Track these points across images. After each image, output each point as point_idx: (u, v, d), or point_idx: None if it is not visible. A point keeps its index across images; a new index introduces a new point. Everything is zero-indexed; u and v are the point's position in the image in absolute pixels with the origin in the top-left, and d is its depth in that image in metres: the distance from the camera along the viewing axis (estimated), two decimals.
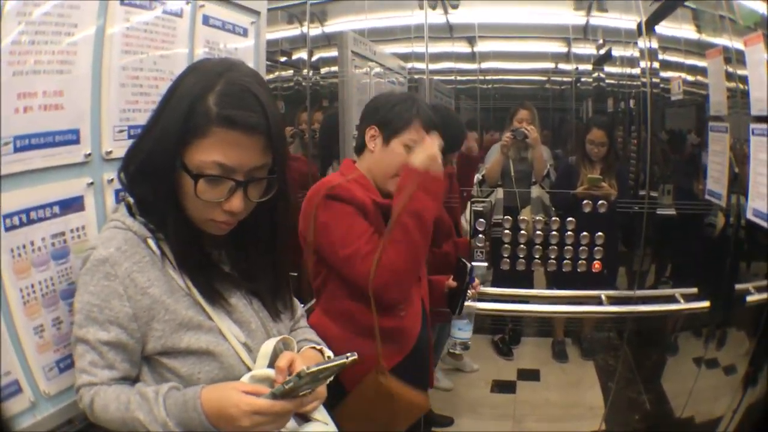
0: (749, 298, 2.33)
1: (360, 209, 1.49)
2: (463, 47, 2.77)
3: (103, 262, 0.97)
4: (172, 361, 1.02)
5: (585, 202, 2.53)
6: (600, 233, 2.50)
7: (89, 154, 1.17)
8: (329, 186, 1.51)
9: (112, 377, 1.00)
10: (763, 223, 2.13)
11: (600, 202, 2.52)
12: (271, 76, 2.77)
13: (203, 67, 1.00)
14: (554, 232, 2.53)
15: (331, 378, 1.03)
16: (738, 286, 2.42)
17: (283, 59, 2.75)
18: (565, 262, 2.55)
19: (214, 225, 1.02)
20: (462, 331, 1.80)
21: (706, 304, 2.41)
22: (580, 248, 2.53)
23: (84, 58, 1.14)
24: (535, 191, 2.65)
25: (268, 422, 0.95)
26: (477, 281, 1.87)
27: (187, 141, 0.95)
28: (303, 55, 2.76)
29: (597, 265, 2.50)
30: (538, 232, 2.56)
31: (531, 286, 2.62)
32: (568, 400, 2.78)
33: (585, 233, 2.52)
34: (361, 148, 1.64)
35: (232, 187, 0.97)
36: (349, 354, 0.95)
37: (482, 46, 2.75)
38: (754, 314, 2.41)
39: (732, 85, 2.43)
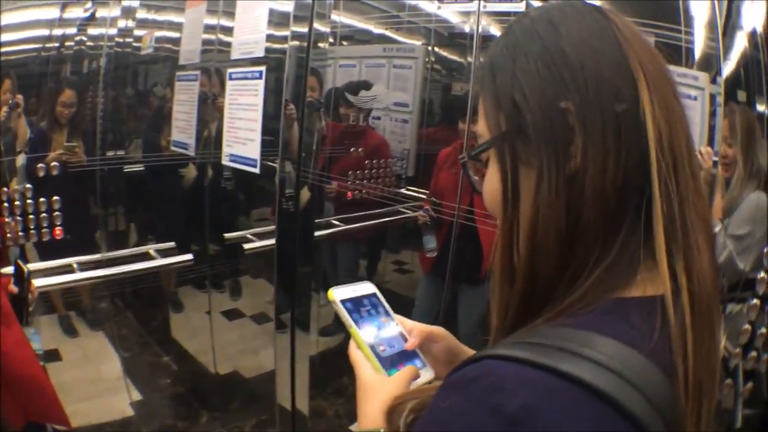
0: (247, 246, 2.30)
1: None
2: None
3: None
4: None
5: (39, 165, 2.37)
6: (57, 197, 2.36)
7: None
8: None
9: None
10: (242, 167, 2.13)
11: (53, 164, 2.38)
12: None
13: None
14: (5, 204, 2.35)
15: None
16: (234, 235, 2.44)
17: None
18: (30, 232, 2.37)
19: None
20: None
21: (187, 257, 2.37)
22: (41, 216, 2.37)
23: None
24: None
25: None
26: (32, 284, 1.63)
27: None
28: None
29: (57, 232, 2.36)
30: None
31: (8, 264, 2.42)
32: (91, 376, 2.64)
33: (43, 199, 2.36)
34: None
35: None
36: None
37: None
38: (271, 260, 2.44)
39: (212, 36, 2.44)
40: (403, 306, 2.37)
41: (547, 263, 0.52)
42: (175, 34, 2.55)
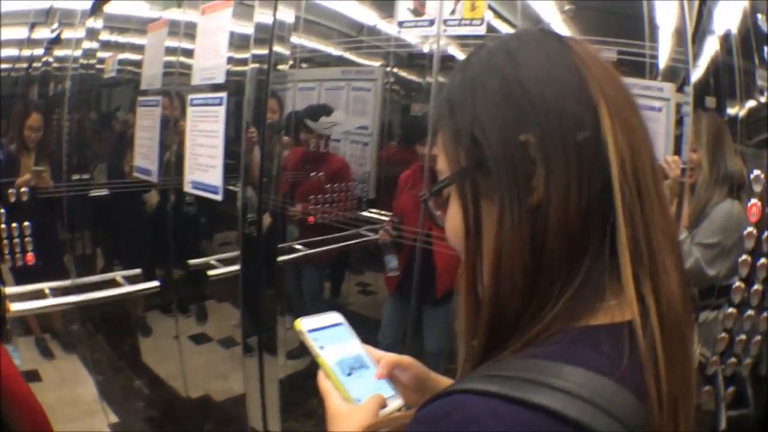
0: (212, 272, 2.29)
1: None
2: None
3: None
4: None
5: (10, 191, 2.41)
6: (27, 223, 2.39)
7: None
8: None
9: None
10: (204, 194, 2.14)
11: (22, 189, 2.41)
12: None
13: None
14: None
15: None
16: (198, 261, 2.45)
17: None
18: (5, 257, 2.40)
19: None
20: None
21: (154, 284, 2.40)
22: (13, 241, 2.40)
23: None
24: None
25: None
26: (8, 302, 1.65)
27: None
28: None
29: (29, 258, 2.39)
30: None
31: None
32: (70, 398, 2.68)
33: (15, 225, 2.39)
34: None
35: None
36: None
37: None
38: (236, 285, 2.43)
39: (173, 59, 2.44)
40: (368, 327, 2.39)
41: (512, 295, 0.52)
42: (137, 57, 2.56)
